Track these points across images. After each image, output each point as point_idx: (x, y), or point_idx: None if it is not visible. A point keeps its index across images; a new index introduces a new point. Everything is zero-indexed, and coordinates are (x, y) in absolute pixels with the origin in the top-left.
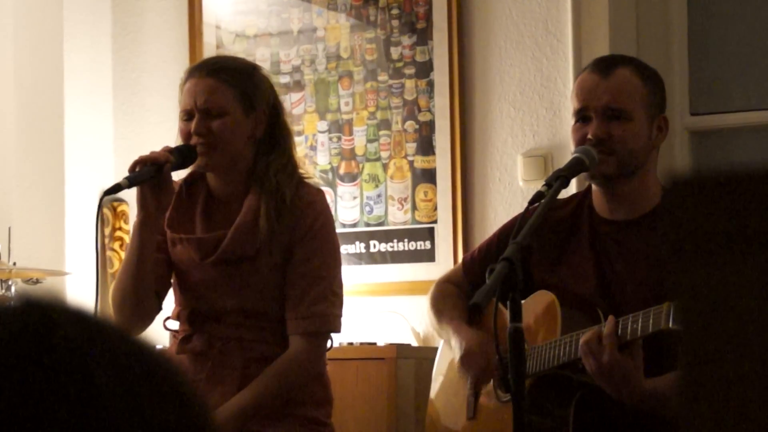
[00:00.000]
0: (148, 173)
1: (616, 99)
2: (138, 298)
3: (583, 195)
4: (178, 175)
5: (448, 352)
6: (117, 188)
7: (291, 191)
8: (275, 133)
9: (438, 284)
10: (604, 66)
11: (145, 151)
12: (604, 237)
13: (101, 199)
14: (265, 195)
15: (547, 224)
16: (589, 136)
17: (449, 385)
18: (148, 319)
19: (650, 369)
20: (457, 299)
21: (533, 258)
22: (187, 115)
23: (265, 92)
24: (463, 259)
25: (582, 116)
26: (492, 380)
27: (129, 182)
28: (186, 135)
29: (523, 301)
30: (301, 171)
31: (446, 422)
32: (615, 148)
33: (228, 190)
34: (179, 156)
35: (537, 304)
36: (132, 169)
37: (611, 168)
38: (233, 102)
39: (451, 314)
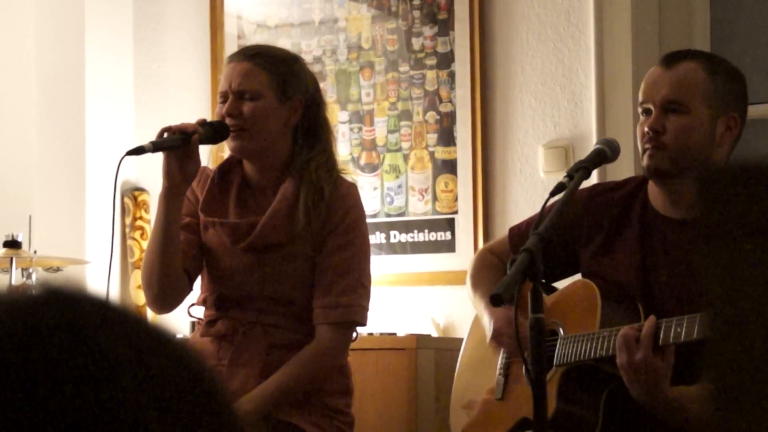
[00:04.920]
0: (174, 141)
1: (674, 91)
2: (166, 270)
3: (639, 184)
4: (212, 162)
5: (477, 329)
6: (140, 150)
7: (330, 186)
8: (316, 127)
9: (480, 254)
10: (670, 58)
11: None
12: (655, 233)
13: (122, 158)
14: (304, 188)
15: (597, 205)
16: (646, 129)
17: (476, 364)
18: (177, 296)
19: (675, 377)
20: (495, 271)
21: (580, 238)
22: (223, 98)
23: (303, 83)
24: (510, 229)
25: (645, 109)
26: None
27: (153, 146)
28: (220, 118)
29: (563, 287)
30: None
31: (474, 402)
32: (667, 142)
33: (263, 178)
34: (210, 129)
35: (578, 292)
36: (159, 136)
37: (663, 163)
38: (267, 87)
39: (486, 288)
